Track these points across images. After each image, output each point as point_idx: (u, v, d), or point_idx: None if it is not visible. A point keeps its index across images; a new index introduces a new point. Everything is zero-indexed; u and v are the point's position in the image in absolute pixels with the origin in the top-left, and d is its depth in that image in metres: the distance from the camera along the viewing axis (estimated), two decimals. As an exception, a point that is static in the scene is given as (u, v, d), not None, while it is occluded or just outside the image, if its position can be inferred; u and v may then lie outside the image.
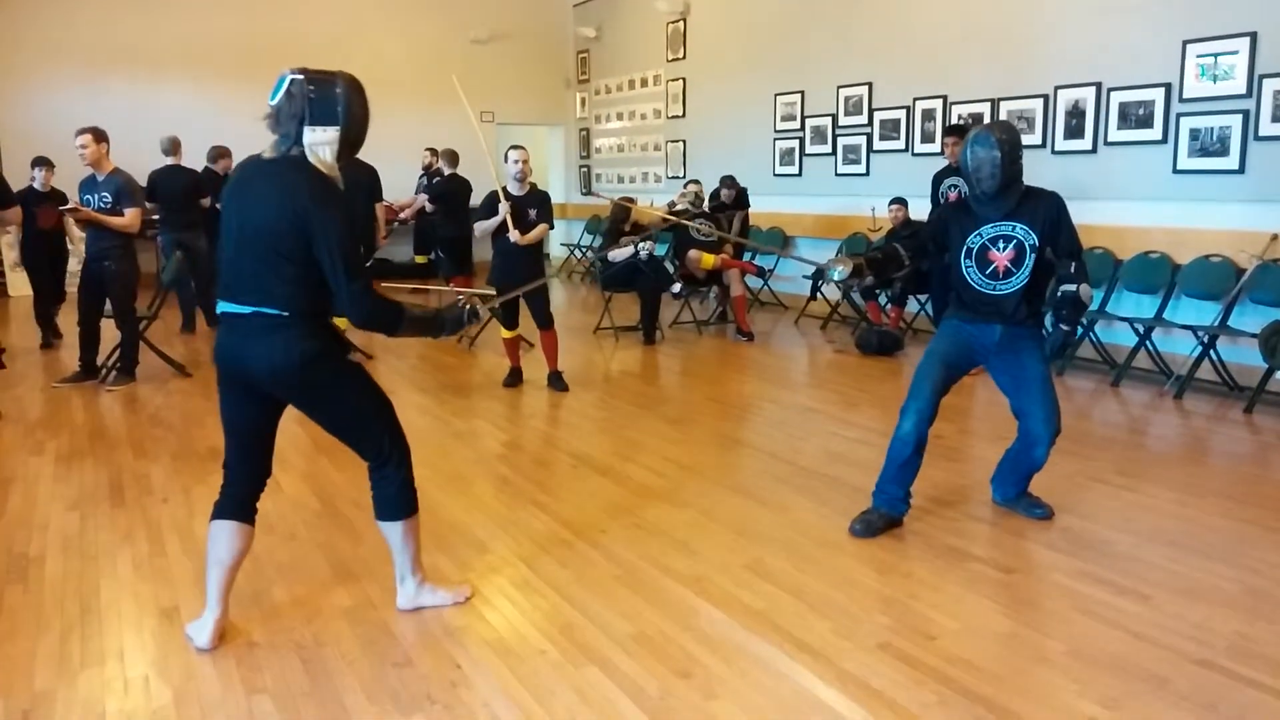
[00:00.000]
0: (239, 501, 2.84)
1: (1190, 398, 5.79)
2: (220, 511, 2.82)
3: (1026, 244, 3.55)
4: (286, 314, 2.63)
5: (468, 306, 2.95)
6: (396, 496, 2.91)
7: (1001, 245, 3.58)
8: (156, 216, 8.69)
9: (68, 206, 6.16)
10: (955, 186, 6.59)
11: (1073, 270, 3.58)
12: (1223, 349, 5.93)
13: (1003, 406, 5.78)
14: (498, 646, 2.81)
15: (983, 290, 3.63)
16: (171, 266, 7.08)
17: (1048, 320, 3.69)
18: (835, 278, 3.68)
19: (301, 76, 2.60)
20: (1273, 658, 2.68)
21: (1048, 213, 3.55)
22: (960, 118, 7.81)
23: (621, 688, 2.57)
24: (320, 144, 2.62)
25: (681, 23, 11.45)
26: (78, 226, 6.16)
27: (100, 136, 6.07)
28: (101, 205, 6.03)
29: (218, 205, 9.29)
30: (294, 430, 5.19)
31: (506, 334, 6.21)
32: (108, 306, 6.28)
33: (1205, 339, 5.84)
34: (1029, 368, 3.64)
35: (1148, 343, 6.24)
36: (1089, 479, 4.28)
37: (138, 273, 6.34)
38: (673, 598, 3.12)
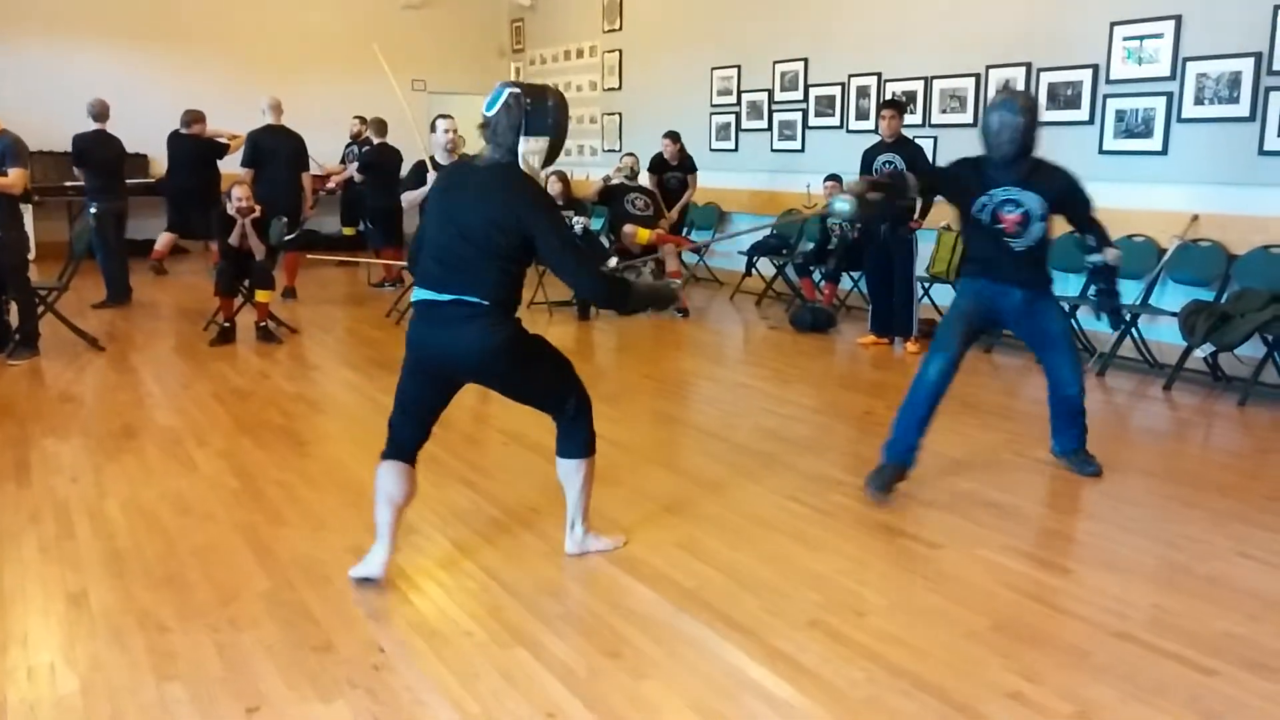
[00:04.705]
0: (402, 447, 3.03)
1: (1112, 375, 5.92)
2: (387, 454, 3.02)
3: (1034, 213, 3.71)
4: (486, 304, 2.81)
5: (676, 286, 3.29)
6: (583, 439, 3.12)
7: (1010, 209, 3.73)
8: (83, 184, 8.29)
9: None
10: (890, 163, 6.60)
11: (1094, 242, 3.83)
12: (1144, 327, 6.06)
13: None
14: (422, 629, 2.75)
15: (993, 239, 3.77)
16: (83, 235, 6.82)
17: (1090, 292, 3.89)
18: (841, 207, 3.66)
19: (519, 90, 2.82)
20: (1189, 630, 2.74)
21: (1059, 187, 3.75)
22: (894, 94, 7.84)
23: (549, 669, 2.53)
24: (532, 152, 2.83)
25: (618, -7, 11.31)
26: None
27: None
28: None
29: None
30: (212, 407, 5.04)
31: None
32: None
33: (1127, 317, 5.97)
34: (1051, 326, 3.91)
35: (1073, 320, 6.35)
36: (1014, 454, 4.34)
37: (25, 238, 6.05)
38: (603, 577, 3.08)
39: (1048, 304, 3.91)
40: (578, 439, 3.12)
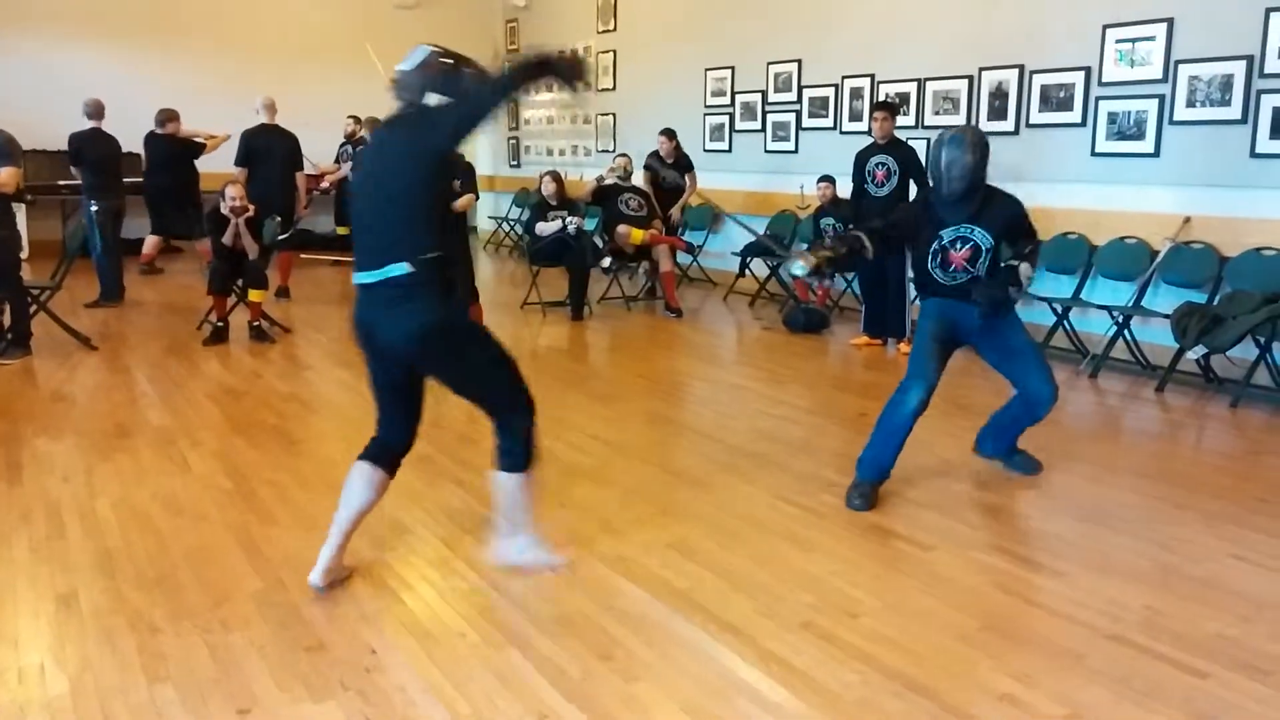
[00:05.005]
0: (381, 449, 2.97)
1: (1104, 376, 5.93)
2: (363, 454, 2.97)
3: (983, 246, 3.71)
4: (412, 271, 2.70)
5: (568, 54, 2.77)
6: (520, 449, 2.94)
7: (959, 245, 3.73)
8: (79, 182, 8.27)
9: None
10: (882, 165, 6.61)
11: (1026, 251, 3.77)
12: (1136, 329, 6.07)
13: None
14: (414, 629, 2.74)
15: (943, 283, 3.79)
16: (77, 234, 6.80)
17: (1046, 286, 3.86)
18: (796, 273, 3.82)
19: (440, 50, 2.79)
20: (1182, 632, 2.74)
21: (1007, 218, 3.73)
22: (888, 96, 7.85)
23: (541, 670, 2.52)
24: None
25: (612, -6, 11.31)
26: None
27: None
28: None
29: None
30: (205, 407, 5.02)
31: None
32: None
33: (1120, 319, 5.98)
34: (1014, 339, 3.85)
35: (1065, 322, 6.37)
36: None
37: (18, 237, 6.03)
38: (595, 578, 3.08)
39: (1009, 316, 3.85)
40: (517, 450, 2.94)
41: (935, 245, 3.74)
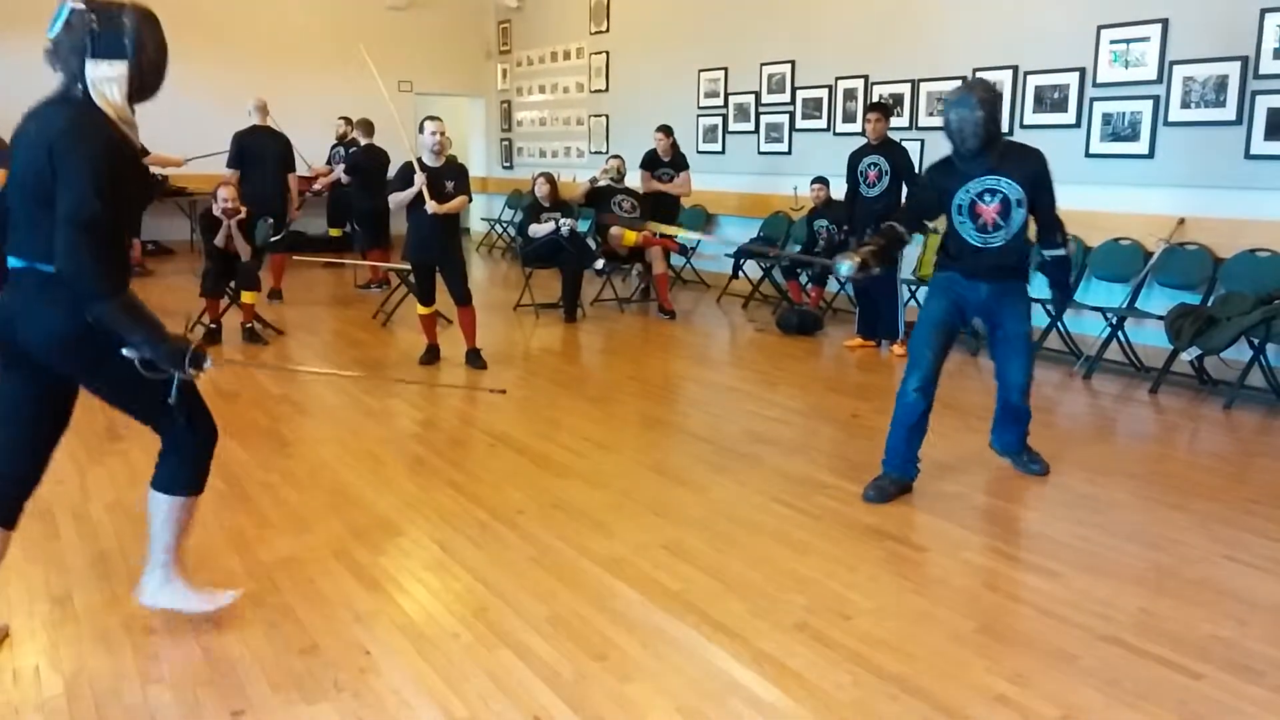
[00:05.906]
0: None
1: (1098, 378, 5.94)
2: None
3: (1012, 198, 3.74)
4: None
5: (196, 351, 2.50)
6: (177, 471, 2.65)
7: (988, 199, 3.76)
8: None
9: None
10: (875, 165, 6.62)
11: (1057, 239, 3.90)
12: (1130, 330, 6.09)
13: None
14: (409, 631, 2.73)
15: (976, 244, 3.80)
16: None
17: (1041, 282, 4.01)
18: (844, 273, 3.84)
19: (83, 6, 2.31)
20: (1175, 633, 2.75)
21: (1032, 169, 3.77)
22: (882, 97, 7.86)
23: (536, 671, 2.52)
24: (107, 79, 2.31)
25: (606, -5, 11.31)
26: None
27: None
28: None
29: None
30: (199, 408, 5.01)
31: (423, 310, 6.07)
32: None
33: (1114, 320, 5.99)
34: (1010, 326, 3.89)
35: (1059, 323, 6.38)
36: (999, 457, 4.34)
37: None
38: (589, 579, 3.08)
39: (1015, 301, 3.90)
40: (173, 469, 2.66)
41: (962, 199, 3.77)
